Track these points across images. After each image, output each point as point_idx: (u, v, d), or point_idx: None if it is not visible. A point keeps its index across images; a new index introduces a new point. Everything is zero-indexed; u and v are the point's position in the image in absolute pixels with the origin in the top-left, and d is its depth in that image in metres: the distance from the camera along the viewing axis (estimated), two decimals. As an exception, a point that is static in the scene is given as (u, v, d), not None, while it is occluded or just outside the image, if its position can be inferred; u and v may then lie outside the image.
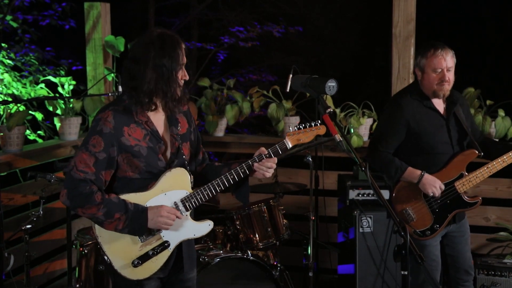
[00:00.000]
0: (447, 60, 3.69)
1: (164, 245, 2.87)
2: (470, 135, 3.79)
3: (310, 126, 2.97)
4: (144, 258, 2.85)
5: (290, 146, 2.95)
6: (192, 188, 2.93)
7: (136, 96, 2.81)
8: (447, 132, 3.77)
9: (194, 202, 2.90)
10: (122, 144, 2.78)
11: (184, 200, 2.89)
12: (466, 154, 3.77)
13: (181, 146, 2.94)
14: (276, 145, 2.95)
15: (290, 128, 2.97)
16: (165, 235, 2.88)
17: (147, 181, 2.85)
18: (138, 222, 2.79)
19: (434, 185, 3.70)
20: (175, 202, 2.88)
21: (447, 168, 3.76)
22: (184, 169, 2.91)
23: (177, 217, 2.85)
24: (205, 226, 2.96)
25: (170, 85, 2.80)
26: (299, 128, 2.97)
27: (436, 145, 3.76)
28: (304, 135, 2.97)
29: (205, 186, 2.91)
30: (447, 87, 3.73)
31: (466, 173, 3.76)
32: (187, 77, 2.88)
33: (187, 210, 2.90)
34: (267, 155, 2.93)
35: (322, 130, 2.98)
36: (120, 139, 2.78)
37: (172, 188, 2.87)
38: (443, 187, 3.72)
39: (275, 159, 2.95)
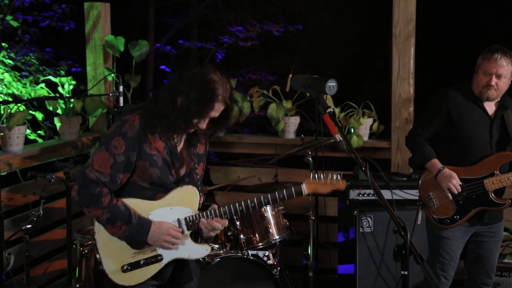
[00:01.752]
0: (499, 66, 3.68)
1: (157, 258, 2.87)
2: None
3: (331, 178, 2.91)
4: (134, 265, 2.84)
5: (306, 193, 2.91)
6: (199, 210, 2.91)
7: (148, 105, 2.79)
8: (489, 131, 3.79)
9: (198, 223, 2.88)
10: (142, 151, 2.77)
11: (187, 219, 2.87)
12: (501, 154, 3.78)
13: (196, 166, 2.93)
14: (292, 187, 2.91)
15: (311, 176, 2.91)
16: (161, 249, 2.88)
17: (156, 192, 2.84)
18: (137, 238, 2.79)
19: (450, 180, 3.73)
20: (178, 218, 2.87)
21: (479, 164, 3.78)
22: (195, 188, 2.89)
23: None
24: (202, 250, 2.94)
25: (177, 124, 2.76)
26: (319, 178, 2.91)
27: (474, 139, 3.78)
28: (323, 186, 2.91)
29: (212, 210, 2.88)
30: (493, 92, 3.74)
31: (498, 173, 3.76)
32: (204, 128, 2.82)
33: (188, 229, 2.88)
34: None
35: (342, 185, 2.91)
36: (142, 146, 2.76)
37: (179, 204, 2.86)
38: (459, 183, 3.74)
39: (226, 222, 2.90)
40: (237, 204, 2.90)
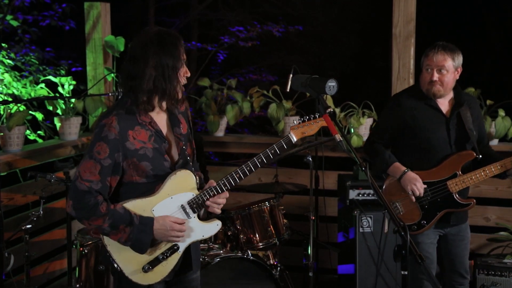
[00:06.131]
0: (437, 60, 3.69)
1: (174, 249, 2.84)
2: (471, 137, 3.77)
3: (315, 118, 2.91)
4: (154, 262, 2.82)
5: (295, 140, 2.89)
6: (198, 189, 2.89)
7: (133, 96, 2.77)
8: (446, 131, 3.77)
9: (201, 203, 2.87)
10: (126, 149, 2.75)
11: (191, 202, 2.86)
12: (462, 154, 3.76)
13: (185, 147, 2.92)
14: (281, 140, 2.89)
15: (295, 121, 2.90)
16: None
17: (153, 185, 2.82)
18: (142, 238, 2.76)
19: (414, 183, 3.71)
20: (182, 205, 2.85)
21: (440, 166, 3.76)
22: (189, 171, 2.87)
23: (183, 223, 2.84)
24: (214, 226, 2.93)
25: (171, 84, 2.76)
26: (303, 121, 2.91)
27: (432, 142, 3.76)
28: (308, 127, 2.91)
29: (212, 187, 2.87)
30: (439, 87, 3.73)
31: (461, 173, 3.75)
32: (189, 74, 2.85)
33: (194, 212, 2.87)
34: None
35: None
36: (124, 144, 2.74)
37: (178, 191, 2.84)
38: (423, 187, 3.72)
39: (226, 194, 2.90)
40: (233, 173, 2.87)
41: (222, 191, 2.88)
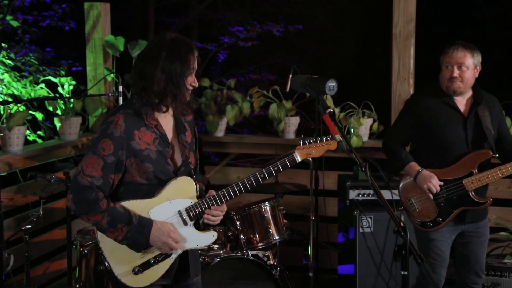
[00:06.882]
0: (457, 57, 3.72)
1: (167, 254, 2.84)
2: (489, 137, 3.77)
3: (321, 140, 2.91)
4: (145, 266, 2.82)
5: (299, 160, 2.91)
6: (198, 198, 2.90)
7: (146, 96, 2.79)
8: (463, 129, 3.79)
9: (199, 212, 2.87)
10: (131, 148, 2.75)
11: (188, 209, 2.86)
12: (479, 153, 3.77)
13: (189, 155, 2.93)
14: (285, 158, 2.91)
15: (301, 142, 2.91)
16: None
17: (154, 188, 2.82)
18: (138, 239, 2.76)
19: (429, 180, 3.73)
20: (179, 211, 2.85)
21: (457, 164, 3.77)
22: (190, 178, 2.88)
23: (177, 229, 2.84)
24: (209, 237, 2.93)
25: (180, 89, 2.78)
26: (309, 142, 2.91)
27: (450, 140, 3.78)
28: (314, 149, 2.92)
29: (211, 196, 2.88)
30: (459, 84, 3.75)
31: (477, 172, 3.76)
32: (197, 84, 2.85)
33: (191, 219, 2.87)
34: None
35: (333, 145, 2.91)
36: (130, 143, 2.75)
37: (177, 197, 2.84)
38: (439, 183, 3.74)
39: (224, 207, 2.92)
40: (234, 185, 2.89)
41: (222, 202, 2.88)
